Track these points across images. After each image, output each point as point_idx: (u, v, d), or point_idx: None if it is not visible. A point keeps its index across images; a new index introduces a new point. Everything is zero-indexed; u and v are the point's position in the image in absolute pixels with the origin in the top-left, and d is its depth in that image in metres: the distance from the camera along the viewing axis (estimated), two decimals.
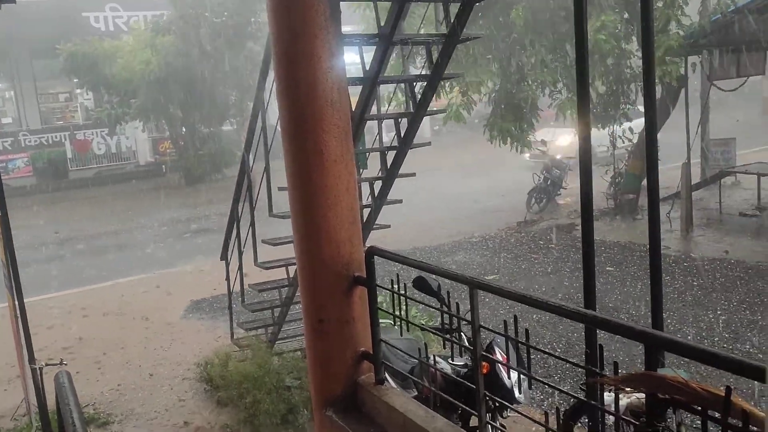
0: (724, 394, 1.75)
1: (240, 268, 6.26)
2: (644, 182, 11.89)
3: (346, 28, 3.88)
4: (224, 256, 6.61)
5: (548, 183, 13.49)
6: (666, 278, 7.80)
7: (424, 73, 4.64)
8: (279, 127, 3.64)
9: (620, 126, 11.64)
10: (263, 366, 5.47)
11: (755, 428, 1.72)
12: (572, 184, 13.64)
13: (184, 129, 21.10)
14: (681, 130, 10.99)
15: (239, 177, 6.07)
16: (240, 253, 6.24)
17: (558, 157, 14.46)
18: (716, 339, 6.35)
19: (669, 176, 10.73)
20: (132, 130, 22.85)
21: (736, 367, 1.74)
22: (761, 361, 1.70)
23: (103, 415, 5.81)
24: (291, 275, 5.68)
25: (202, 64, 18.72)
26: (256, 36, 19.33)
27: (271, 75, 3.94)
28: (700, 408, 1.85)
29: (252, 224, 5.91)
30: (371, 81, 4.26)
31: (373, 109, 4.82)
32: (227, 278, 6.63)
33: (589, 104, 2.97)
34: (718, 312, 7.01)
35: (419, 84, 4.73)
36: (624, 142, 11.87)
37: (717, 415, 1.80)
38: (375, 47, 4.26)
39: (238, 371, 5.59)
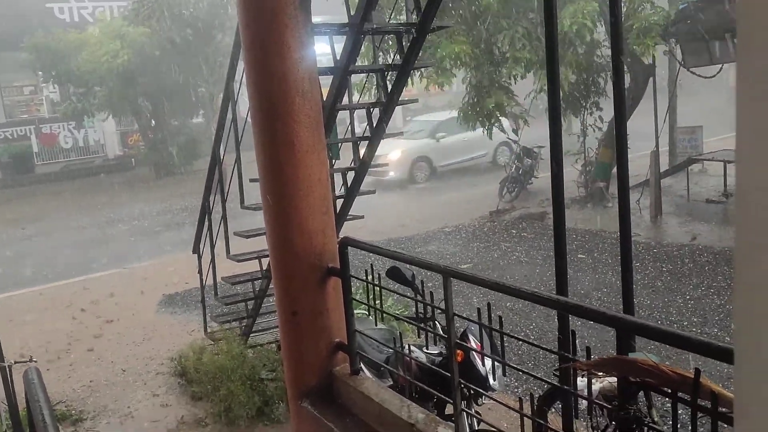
0: (693, 377, 1.78)
1: (212, 261, 6.21)
2: (614, 170, 12.07)
3: (316, 18, 3.85)
4: (196, 250, 6.55)
5: (520, 172, 13.59)
6: (636, 264, 7.91)
7: (395, 62, 4.63)
8: (249, 119, 3.61)
9: (591, 115, 11.76)
10: (237, 359, 5.44)
11: (724, 409, 1.75)
12: (543, 173, 13.78)
13: (153, 122, 20.82)
14: (649, 119, 11.13)
15: (210, 169, 6.01)
16: (212, 246, 6.19)
17: (391, 173, 15.25)
18: (685, 323, 6.47)
19: (638, 164, 10.88)
20: (100, 123, 22.49)
21: (705, 349, 1.78)
22: (729, 343, 1.73)
23: (75, 412, 5.73)
24: (264, 267, 5.65)
25: (171, 56, 18.47)
26: (225, 27, 19.12)
27: (241, 66, 3.90)
28: (670, 390, 1.88)
29: (224, 217, 5.86)
30: (342, 71, 4.24)
31: (345, 99, 4.79)
32: (199, 271, 6.57)
33: (559, 94, 2.98)
34: (687, 297, 7.14)
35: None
36: (594, 131, 12.00)
37: (687, 396, 1.84)
38: (345, 37, 4.23)
39: (213, 364, 5.55)
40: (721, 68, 11.26)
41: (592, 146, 12.44)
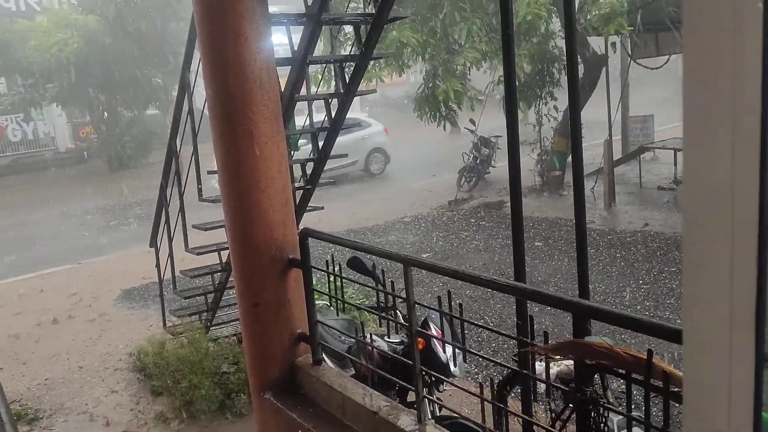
0: (646, 358, 1.85)
1: (170, 254, 6.13)
2: (569, 159, 12.29)
3: (273, 8, 3.83)
4: (153, 243, 6.45)
5: (478, 162, 13.73)
6: (591, 251, 8.08)
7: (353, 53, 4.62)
8: (206, 110, 3.57)
9: (546, 105, 11.94)
10: (198, 352, 5.40)
11: (675, 388, 1.82)
12: (501, 162, 13.93)
13: (106, 114, 20.34)
14: (603, 108, 11.35)
15: (166, 162, 5.92)
16: (170, 240, 6.11)
17: None
18: (639, 307, 6.65)
19: (592, 153, 11.10)
20: (50, 115, 21.87)
21: (657, 330, 1.84)
22: (679, 325, 1.80)
23: (31, 410, 5.61)
24: (224, 260, 5.61)
25: (124, 46, 18.05)
26: (179, 16, 18.76)
27: (197, 56, 3.85)
28: (624, 372, 1.95)
29: (181, 209, 5.78)
30: (300, 61, 4.22)
31: (303, 90, 4.77)
32: (157, 265, 6.48)
33: (515, 84, 3.03)
34: (640, 282, 7.33)
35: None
36: (549, 121, 12.20)
37: (640, 377, 1.90)
38: (303, 27, 4.21)
39: (173, 358, 5.50)
40: (668, 59, 11.59)
41: (547, 136, 12.65)
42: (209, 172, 4.59)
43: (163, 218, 6.16)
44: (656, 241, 8.75)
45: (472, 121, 13.57)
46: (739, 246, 0.63)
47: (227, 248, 4.75)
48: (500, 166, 13.86)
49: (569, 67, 3.30)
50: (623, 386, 1.99)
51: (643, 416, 1.88)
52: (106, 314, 7.96)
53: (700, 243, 0.66)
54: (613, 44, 11.36)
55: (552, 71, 11.59)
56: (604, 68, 11.49)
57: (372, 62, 8.90)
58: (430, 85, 11.52)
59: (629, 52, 11.61)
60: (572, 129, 3.29)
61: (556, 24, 11.29)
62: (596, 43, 11.81)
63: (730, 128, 0.62)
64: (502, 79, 3.06)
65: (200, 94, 4.16)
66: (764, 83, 0.58)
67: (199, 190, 5.34)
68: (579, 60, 9.78)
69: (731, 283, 0.64)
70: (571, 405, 2.90)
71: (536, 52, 10.91)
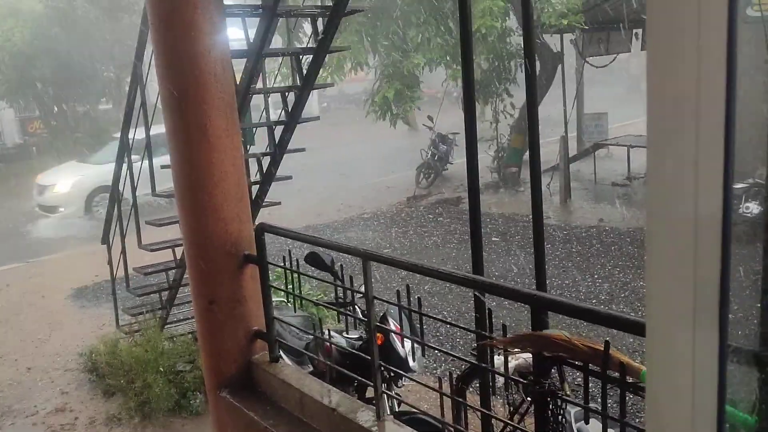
0: (603, 349, 1.86)
1: (123, 251, 5.99)
2: (525, 155, 12.43)
3: (228, 0, 3.75)
4: (105, 240, 6.30)
5: (436, 158, 13.79)
6: (547, 246, 8.17)
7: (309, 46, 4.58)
8: (159, 104, 3.48)
9: (502, 101, 12.05)
10: (153, 351, 5.28)
11: (631, 378, 1.84)
12: (458, 159, 14.02)
13: (55, 108, 19.78)
14: (558, 106, 11.50)
15: (118, 157, 5.77)
16: (122, 236, 5.96)
17: (61, 210, 12.85)
18: (594, 301, 6.76)
19: (548, 149, 11.22)
20: None
21: (614, 321, 1.86)
22: (635, 316, 1.82)
23: None
24: (178, 256, 5.50)
25: (73, 38, 17.56)
26: (132, 9, 18.34)
27: (150, 48, 3.75)
28: (581, 363, 1.96)
29: (134, 205, 5.65)
30: (256, 54, 4.15)
31: (259, 84, 4.71)
32: (109, 263, 6.32)
33: (473, 82, 3.03)
34: (596, 276, 7.45)
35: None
36: (506, 118, 12.33)
37: (597, 369, 1.92)
38: (259, 19, 4.15)
39: (127, 358, 5.37)
40: (614, 59, 11.91)
41: (504, 133, 12.77)
42: (163, 167, 4.48)
43: (116, 214, 6.02)
44: (611, 236, 8.91)
45: (430, 118, 13.61)
46: (702, 239, 0.62)
47: (181, 245, 4.66)
48: (458, 162, 13.96)
49: (527, 64, 3.31)
50: (580, 378, 2.00)
51: (600, 407, 1.89)
52: (56, 313, 7.74)
53: (663, 237, 0.65)
54: (573, 41, 11.55)
55: (509, 67, 11.69)
56: (560, 66, 11.65)
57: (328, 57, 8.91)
58: (378, 85, 11.54)
59: (581, 50, 11.86)
60: (530, 125, 3.31)
61: (512, 21, 11.41)
62: (552, 41, 11.97)
63: (694, 123, 0.61)
64: (458, 75, 3.06)
65: (153, 87, 4.06)
66: (728, 77, 0.57)
67: (152, 185, 5.23)
68: (536, 57, 9.92)
69: (694, 276, 0.63)
70: (528, 398, 2.92)
71: (492, 49, 11.00)
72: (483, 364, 2.45)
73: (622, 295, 6.81)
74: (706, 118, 0.60)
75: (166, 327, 6.05)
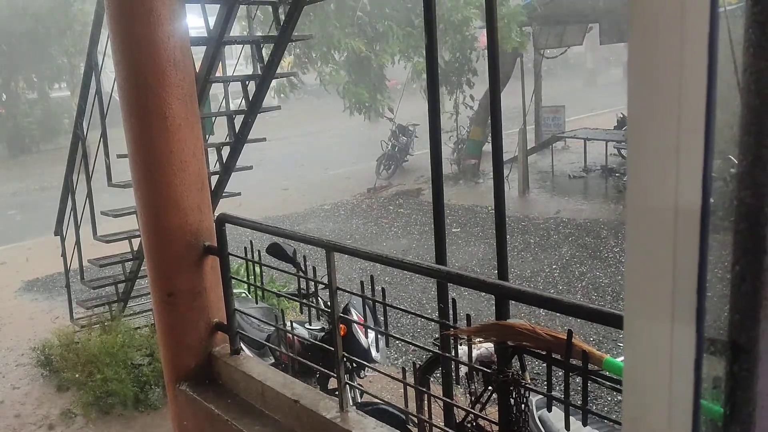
0: (566, 338, 1.88)
1: (77, 242, 5.84)
2: (484, 147, 12.55)
3: None
4: (59, 231, 6.13)
5: (396, 150, 13.80)
6: (507, 237, 8.27)
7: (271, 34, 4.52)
8: (116, 92, 3.40)
9: (463, 93, 12.11)
10: (109, 345, 5.17)
11: (594, 366, 1.87)
12: (418, 150, 14.06)
13: (4, 95, 19.15)
14: (517, 98, 11.62)
15: (72, 145, 5.62)
16: (77, 227, 5.81)
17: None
18: (552, 291, 6.86)
19: (506, 141, 11.28)
20: None
21: (576, 310, 1.88)
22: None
23: None
24: (135, 248, 5.39)
25: (24, 23, 17.00)
26: None
27: (105, 35, 3.65)
28: (544, 352, 1.98)
29: (89, 195, 5.51)
30: (216, 41, 4.08)
31: (219, 72, 4.63)
32: (63, 254, 6.16)
33: (437, 74, 3.02)
34: (553, 266, 7.57)
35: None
36: (465, 109, 12.40)
37: (560, 357, 1.94)
38: (219, 6, 4.07)
39: (81, 352, 5.25)
40: (566, 50, 12.34)
41: (463, 125, 12.84)
42: (119, 156, 4.37)
43: (69, 205, 5.86)
44: (568, 227, 9.05)
45: (391, 110, 13.62)
46: (681, 232, 0.62)
47: (139, 236, 4.56)
48: (417, 154, 14.00)
49: (490, 56, 3.32)
50: (540, 365, 2.03)
51: (562, 395, 1.92)
52: (6, 307, 7.52)
53: (642, 228, 0.66)
54: (530, 34, 11.71)
55: (470, 59, 11.75)
56: (519, 59, 11.76)
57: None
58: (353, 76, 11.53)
59: (536, 43, 12.13)
60: (493, 117, 3.32)
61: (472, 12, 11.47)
62: None
63: (676, 115, 0.61)
64: (421, 68, 3.05)
65: (108, 75, 3.96)
66: (710, 71, 0.57)
67: (108, 175, 5.10)
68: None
69: (674, 270, 0.63)
70: (491, 387, 2.95)
71: (454, 40, 11.05)
72: (446, 354, 2.46)
73: (579, 285, 6.93)
74: (687, 110, 0.60)
75: (123, 319, 5.93)
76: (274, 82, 4.97)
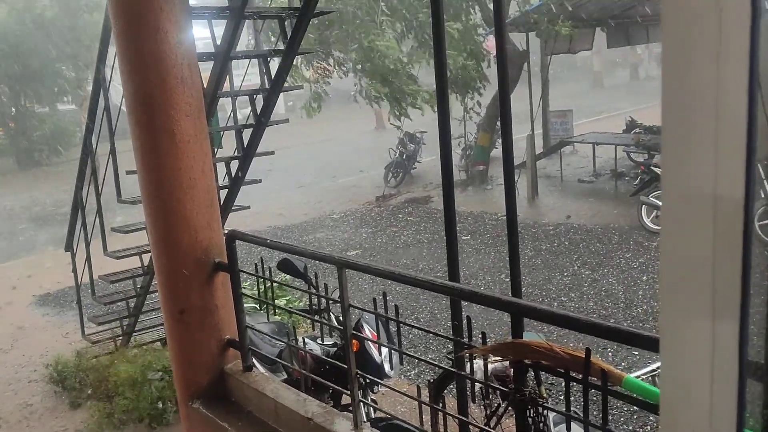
0: (584, 356, 1.84)
1: (88, 258, 5.84)
2: (492, 153, 12.51)
3: (194, 1, 3.67)
4: (69, 247, 6.14)
5: (404, 157, 13.78)
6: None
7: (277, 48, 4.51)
8: (124, 107, 3.39)
9: (471, 99, 12.07)
10: (121, 361, 5.16)
11: (613, 385, 1.83)
12: (426, 158, 14.04)
13: (14, 109, 19.27)
14: (524, 103, 11.57)
15: (81, 160, 5.63)
16: (87, 243, 5.82)
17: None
18: (564, 299, 6.81)
19: (515, 147, 11.27)
20: None
21: (593, 329, 1.85)
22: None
23: None
24: (145, 263, 5.38)
25: (34, 36, 17.10)
26: (92, 7, 17.95)
27: (113, 50, 3.65)
28: (563, 370, 1.94)
29: (99, 211, 5.51)
30: (223, 56, 4.07)
31: (227, 86, 4.63)
32: (74, 270, 6.16)
33: (446, 81, 3.00)
34: (565, 273, 7.51)
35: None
36: (472, 116, 12.37)
37: (578, 375, 1.90)
38: (226, 21, 4.07)
39: (93, 368, 5.24)
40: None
41: (471, 131, 12.81)
42: (128, 172, 4.37)
43: (80, 220, 5.87)
44: (578, 233, 8.99)
45: (398, 118, 13.58)
46: (721, 249, 0.59)
47: (149, 251, 4.55)
48: (426, 161, 13.97)
49: (499, 61, 3.30)
50: (553, 380, 1.99)
51: (581, 414, 1.88)
52: (18, 322, 7.53)
53: (680, 249, 0.62)
54: (549, 41, 11.72)
55: (480, 65, 11.73)
56: (526, 63, 11.73)
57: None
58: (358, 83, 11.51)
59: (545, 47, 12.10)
60: (503, 123, 3.29)
61: (478, 17, 11.48)
62: (517, 39, 12.05)
63: (713, 118, 0.58)
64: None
65: (117, 89, 3.95)
66: (751, 73, 0.54)
67: (118, 191, 5.10)
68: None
69: (713, 290, 0.60)
70: (506, 403, 2.91)
71: (465, 48, 11.04)
72: (461, 372, 2.42)
73: (591, 292, 6.87)
74: (725, 113, 0.57)
75: (134, 335, 5.93)
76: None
